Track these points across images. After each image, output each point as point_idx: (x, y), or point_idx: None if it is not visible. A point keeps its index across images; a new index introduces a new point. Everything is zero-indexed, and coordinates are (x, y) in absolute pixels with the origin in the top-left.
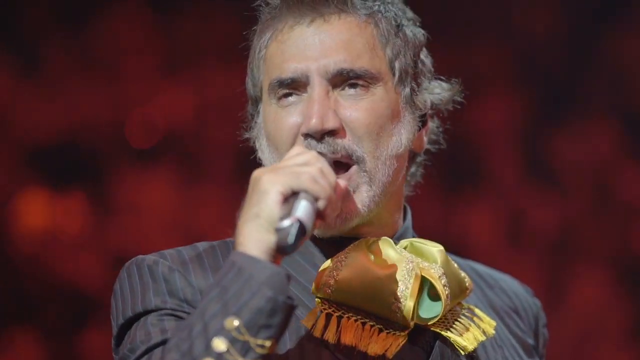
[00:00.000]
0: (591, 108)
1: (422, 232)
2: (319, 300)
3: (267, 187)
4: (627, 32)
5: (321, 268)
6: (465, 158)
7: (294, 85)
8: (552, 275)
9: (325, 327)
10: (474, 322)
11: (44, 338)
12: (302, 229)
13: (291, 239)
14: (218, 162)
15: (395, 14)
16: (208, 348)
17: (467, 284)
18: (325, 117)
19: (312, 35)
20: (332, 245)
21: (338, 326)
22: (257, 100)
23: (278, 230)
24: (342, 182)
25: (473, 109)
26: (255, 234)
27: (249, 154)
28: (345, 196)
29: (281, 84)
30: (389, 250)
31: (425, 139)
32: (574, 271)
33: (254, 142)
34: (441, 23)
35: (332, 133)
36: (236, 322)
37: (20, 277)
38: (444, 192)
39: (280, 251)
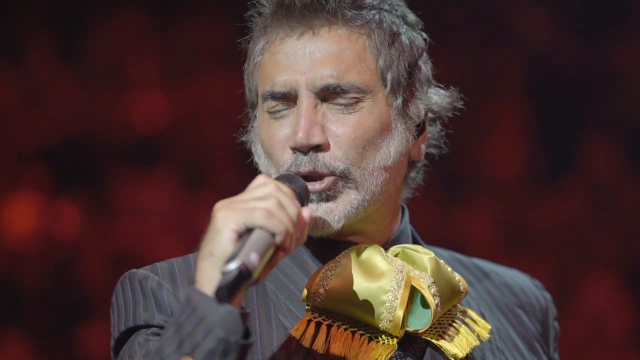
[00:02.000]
0: (594, 115)
1: (421, 235)
2: (309, 308)
3: (221, 225)
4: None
5: (311, 276)
6: (464, 160)
7: (285, 98)
8: (554, 279)
9: (315, 336)
10: (468, 326)
11: (39, 340)
12: (244, 273)
13: (228, 283)
14: (217, 165)
15: (392, 22)
16: None
17: (461, 287)
18: (311, 132)
19: (301, 48)
20: (325, 252)
21: (327, 335)
22: (253, 105)
23: (223, 274)
24: (306, 212)
25: (475, 111)
26: (209, 272)
27: (248, 156)
28: (312, 222)
29: (272, 97)
30: (380, 259)
31: (423, 146)
32: (576, 274)
33: (250, 146)
34: (445, 29)
35: (317, 148)
36: None
37: (16, 278)
38: (442, 194)
39: (218, 298)
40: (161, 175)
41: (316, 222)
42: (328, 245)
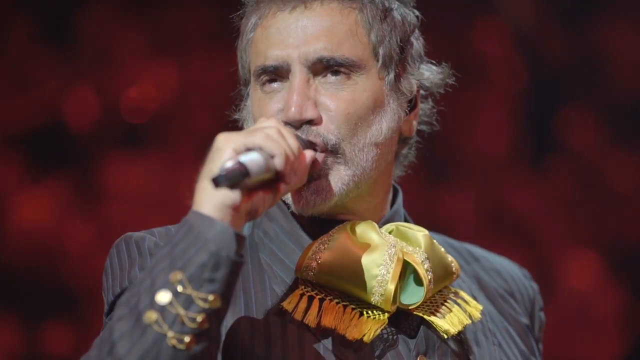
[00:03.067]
0: (577, 96)
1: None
2: (302, 282)
3: (221, 145)
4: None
5: (304, 250)
6: (446, 141)
7: (277, 73)
8: (537, 262)
9: (307, 309)
10: (460, 305)
11: (25, 326)
12: (241, 169)
13: (222, 170)
14: (201, 146)
15: (377, 12)
16: (152, 301)
17: (453, 269)
18: (304, 107)
19: (293, 22)
20: (319, 228)
21: (319, 309)
22: (246, 82)
23: (219, 170)
24: (309, 152)
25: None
26: (208, 190)
27: None
28: (314, 168)
29: (264, 71)
30: (373, 233)
31: (414, 122)
32: (559, 257)
33: (242, 124)
34: (429, 7)
35: (310, 122)
36: (180, 276)
37: (6, 265)
38: (425, 175)
39: (215, 183)
40: (146, 157)
41: (307, 199)
42: (322, 223)
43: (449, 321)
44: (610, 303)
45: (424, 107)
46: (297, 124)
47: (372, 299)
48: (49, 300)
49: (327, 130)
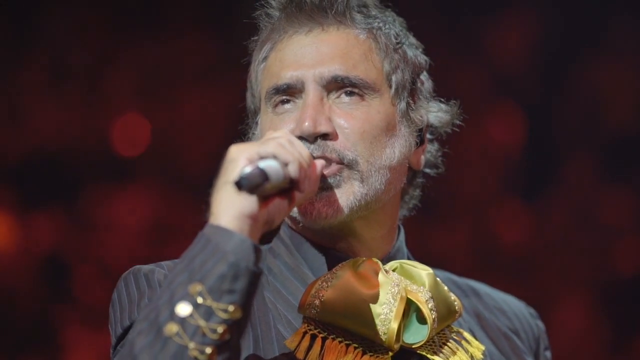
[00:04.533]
0: (569, 133)
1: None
2: (305, 319)
3: (235, 155)
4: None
5: (307, 287)
6: (439, 177)
7: (290, 92)
8: (528, 298)
9: (309, 347)
10: (462, 345)
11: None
12: (260, 173)
13: (243, 174)
14: (196, 178)
15: (396, 33)
16: (172, 314)
17: (456, 307)
18: (318, 120)
19: (309, 43)
20: (323, 264)
21: (322, 348)
22: (256, 113)
23: (238, 175)
24: (319, 161)
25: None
26: (225, 201)
27: None
28: (326, 176)
29: (277, 90)
30: (376, 271)
31: (422, 157)
32: (551, 293)
33: None
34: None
35: (325, 137)
36: (199, 288)
37: None
38: (418, 211)
39: (237, 186)
40: (138, 192)
41: (319, 211)
42: (326, 256)
43: None
44: (601, 339)
45: (430, 148)
46: (311, 138)
47: (375, 338)
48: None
49: (344, 147)
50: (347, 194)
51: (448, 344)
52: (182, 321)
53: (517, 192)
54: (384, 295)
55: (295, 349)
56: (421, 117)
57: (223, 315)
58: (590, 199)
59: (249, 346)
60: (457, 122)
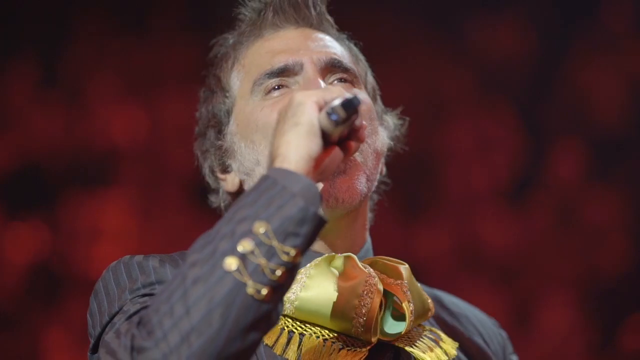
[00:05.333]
0: (554, 131)
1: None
2: (282, 316)
3: (302, 99)
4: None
5: None
6: (420, 179)
7: (286, 74)
8: (513, 299)
9: (287, 344)
10: (436, 343)
11: None
12: (352, 101)
13: (334, 105)
14: (176, 187)
15: (357, 49)
16: (234, 248)
17: (429, 306)
18: (337, 90)
19: (300, 35)
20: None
21: (300, 344)
22: (228, 113)
23: (330, 108)
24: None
25: (434, 131)
26: (295, 141)
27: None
28: (332, 198)
29: (271, 74)
30: (352, 265)
31: (384, 167)
32: (535, 294)
33: (229, 147)
34: (405, 43)
35: None
36: (264, 226)
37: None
38: (400, 212)
39: (335, 111)
40: (118, 197)
41: (336, 197)
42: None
43: (429, 355)
44: (586, 340)
45: (382, 168)
46: None
47: (352, 331)
48: None
49: None
50: (360, 180)
51: (423, 340)
52: (243, 257)
53: (502, 192)
54: (360, 287)
55: (272, 345)
56: (387, 123)
57: (285, 258)
58: (575, 198)
59: None
60: (402, 145)
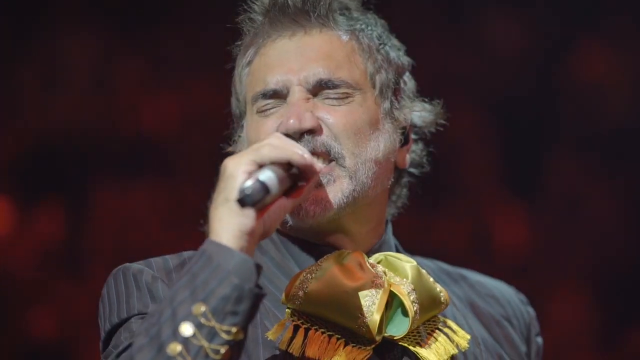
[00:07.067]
0: (558, 131)
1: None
2: (289, 311)
3: (232, 170)
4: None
5: (291, 279)
6: (434, 171)
7: (276, 96)
8: (524, 291)
9: (292, 338)
10: (447, 335)
11: None
12: (262, 186)
13: (246, 189)
14: (201, 173)
15: (379, 35)
16: (175, 332)
17: (442, 299)
18: (303, 117)
19: (293, 47)
20: (308, 257)
21: (305, 338)
22: (241, 116)
23: (239, 192)
24: (318, 164)
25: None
26: (226, 218)
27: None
28: (303, 210)
29: (264, 95)
30: (360, 264)
31: (407, 156)
32: (546, 286)
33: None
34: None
35: (311, 132)
36: (203, 308)
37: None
38: (410, 206)
39: (241, 203)
40: (145, 183)
41: (306, 210)
42: (312, 251)
43: (434, 351)
44: (595, 332)
45: (415, 147)
46: (297, 135)
47: (358, 329)
48: None
49: (330, 139)
50: (335, 192)
51: (433, 334)
52: (186, 341)
53: (510, 185)
54: (366, 288)
55: (278, 340)
56: (405, 116)
57: (226, 337)
58: (582, 191)
59: None
60: (441, 121)
